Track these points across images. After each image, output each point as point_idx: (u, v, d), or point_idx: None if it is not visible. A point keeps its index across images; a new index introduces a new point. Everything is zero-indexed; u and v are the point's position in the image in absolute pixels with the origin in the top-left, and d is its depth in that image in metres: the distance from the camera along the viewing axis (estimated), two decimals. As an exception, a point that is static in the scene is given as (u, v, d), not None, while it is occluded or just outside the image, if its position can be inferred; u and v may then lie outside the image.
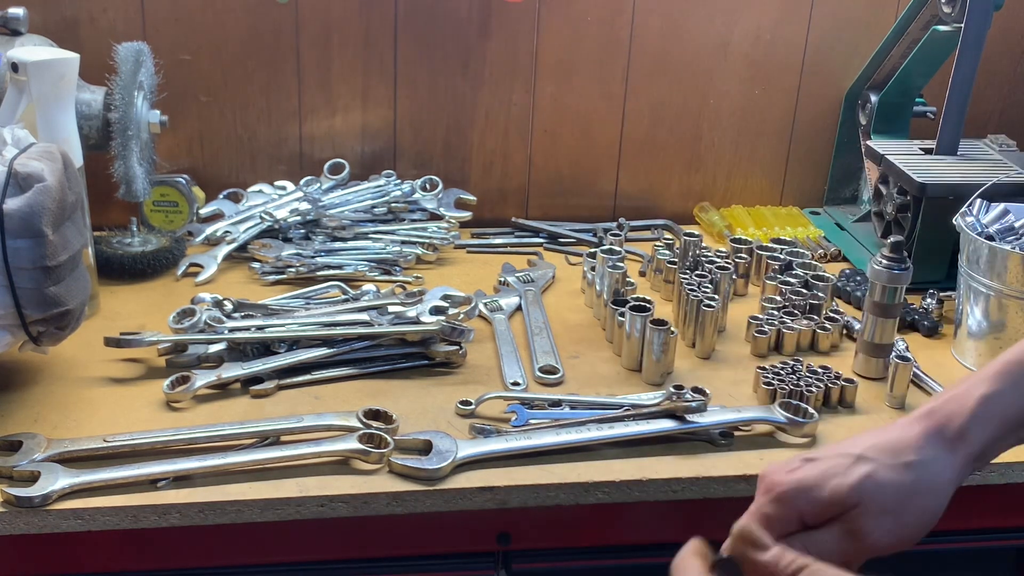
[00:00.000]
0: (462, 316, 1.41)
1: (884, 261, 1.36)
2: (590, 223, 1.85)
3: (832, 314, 1.49)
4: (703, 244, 1.63)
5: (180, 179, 1.70)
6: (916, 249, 1.62)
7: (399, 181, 1.77)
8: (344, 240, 1.68)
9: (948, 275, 1.61)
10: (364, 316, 1.39)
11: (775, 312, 1.49)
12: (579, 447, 1.20)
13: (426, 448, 1.17)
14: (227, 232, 1.66)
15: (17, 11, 1.50)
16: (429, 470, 1.14)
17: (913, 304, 1.56)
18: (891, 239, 1.36)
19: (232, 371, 1.30)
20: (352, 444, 1.16)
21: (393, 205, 1.74)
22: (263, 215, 1.67)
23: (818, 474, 0.83)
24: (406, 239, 1.70)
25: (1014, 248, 1.39)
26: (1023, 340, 0.91)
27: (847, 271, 1.66)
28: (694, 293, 1.47)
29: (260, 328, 1.36)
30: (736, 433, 1.26)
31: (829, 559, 0.78)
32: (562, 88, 1.81)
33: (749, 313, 1.50)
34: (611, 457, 1.20)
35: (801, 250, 1.67)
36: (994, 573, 1.41)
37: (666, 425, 1.23)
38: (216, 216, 1.71)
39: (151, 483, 1.11)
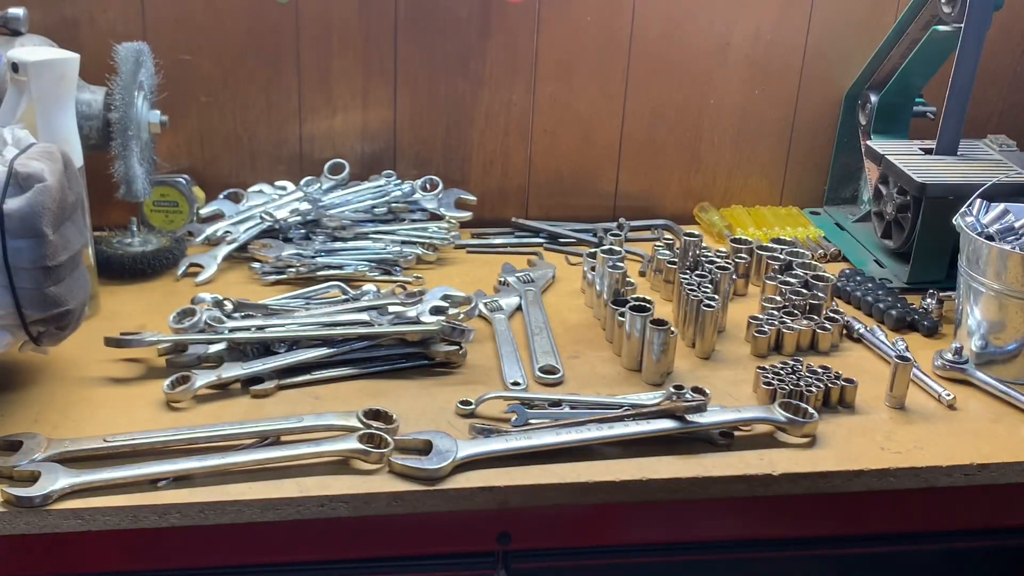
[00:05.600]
0: (462, 316, 1.41)
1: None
2: (590, 223, 1.85)
3: (832, 314, 1.49)
4: (703, 244, 1.63)
5: (180, 179, 1.70)
6: (916, 249, 1.62)
7: (399, 181, 1.77)
8: (344, 240, 1.68)
9: (948, 275, 1.61)
10: (364, 316, 1.39)
11: (775, 312, 1.49)
12: (579, 447, 1.20)
13: (426, 448, 1.17)
14: (227, 232, 1.66)
15: (17, 11, 1.50)
16: (429, 470, 1.14)
17: (913, 304, 1.56)
18: None
19: (232, 371, 1.30)
20: (352, 444, 1.16)
21: (393, 205, 1.74)
22: (263, 215, 1.67)
23: None
24: (406, 239, 1.70)
25: (1014, 248, 1.39)
26: None
27: (847, 271, 1.66)
28: (694, 293, 1.47)
29: (260, 328, 1.36)
30: (736, 433, 1.26)
31: None
32: (562, 88, 1.81)
33: (749, 313, 1.50)
34: (611, 457, 1.20)
35: (801, 250, 1.67)
36: (994, 573, 1.41)
37: (666, 425, 1.23)
38: (216, 216, 1.71)
39: (151, 483, 1.11)
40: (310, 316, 1.41)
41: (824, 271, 1.59)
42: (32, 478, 1.09)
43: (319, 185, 1.76)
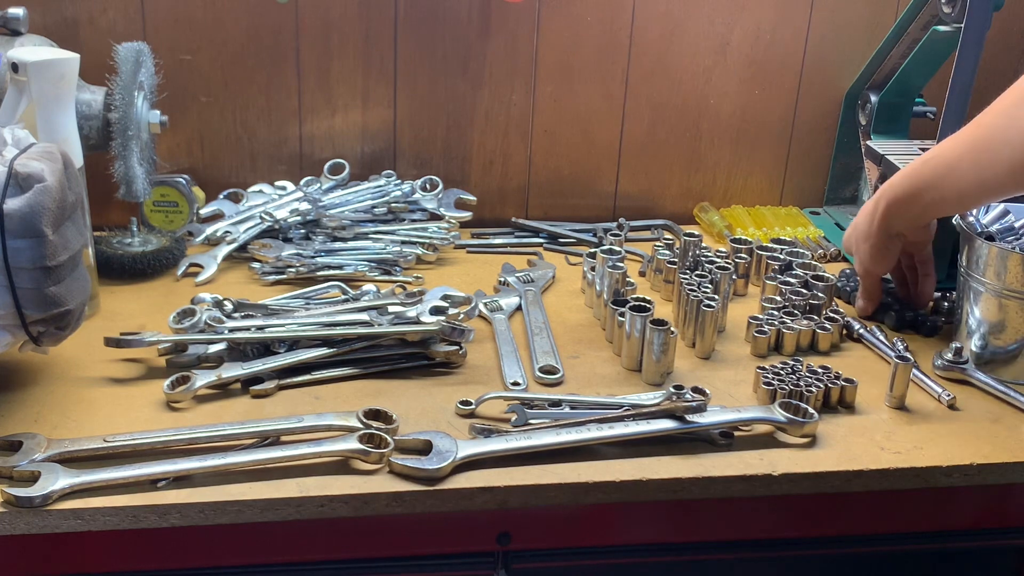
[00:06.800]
0: (462, 316, 1.41)
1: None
2: (590, 223, 1.85)
3: (832, 314, 1.49)
4: (703, 244, 1.63)
5: (180, 179, 1.70)
6: (916, 249, 1.62)
7: (399, 181, 1.77)
8: (344, 240, 1.68)
9: (948, 275, 1.61)
10: (364, 316, 1.39)
11: (775, 312, 1.49)
12: (579, 447, 1.20)
13: (426, 448, 1.17)
14: (227, 232, 1.66)
15: (17, 11, 1.50)
16: (429, 470, 1.14)
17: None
18: None
19: (232, 371, 1.30)
20: (352, 444, 1.16)
21: (393, 205, 1.74)
22: (263, 215, 1.67)
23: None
24: (406, 239, 1.70)
25: (1014, 248, 1.39)
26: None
27: (847, 271, 1.66)
28: (694, 293, 1.47)
29: (260, 328, 1.36)
30: (736, 433, 1.26)
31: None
32: (562, 88, 1.81)
33: (749, 313, 1.50)
34: (611, 457, 1.20)
35: (801, 250, 1.67)
36: (994, 573, 1.41)
37: (666, 425, 1.23)
38: (216, 216, 1.71)
39: (151, 483, 1.11)
40: (310, 316, 1.41)
41: (824, 271, 1.59)
42: (32, 478, 1.09)
43: (319, 185, 1.76)
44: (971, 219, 1.46)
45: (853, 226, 1.50)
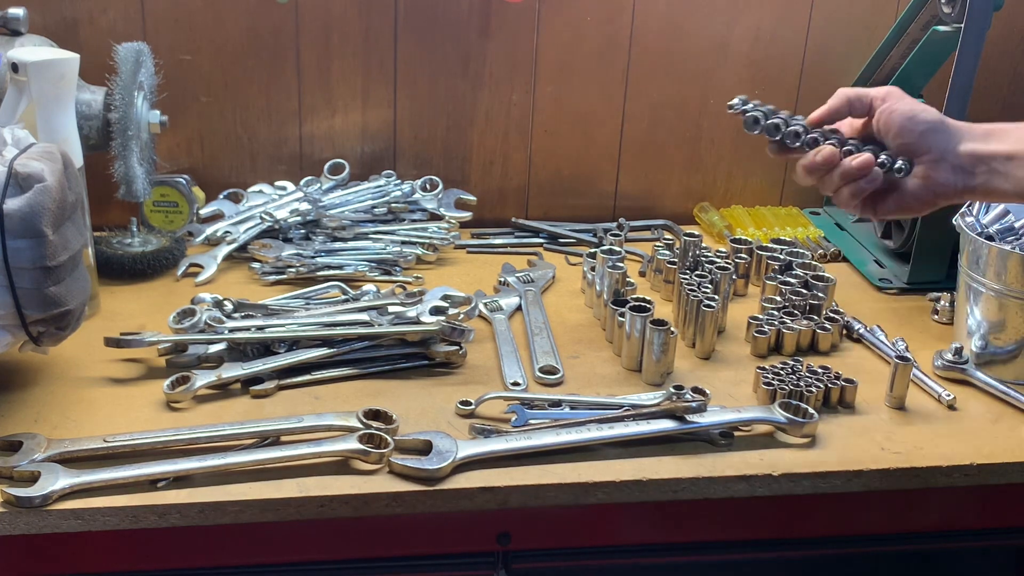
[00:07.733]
0: (462, 316, 1.41)
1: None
2: (590, 223, 1.85)
3: (832, 314, 1.49)
4: (703, 244, 1.63)
5: (180, 179, 1.70)
6: (916, 249, 1.62)
7: (399, 181, 1.77)
8: (344, 240, 1.68)
9: (948, 275, 1.61)
10: (364, 316, 1.39)
11: (775, 312, 1.49)
12: (579, 447, 1.20)
13: (426, 448, 1.17)
14: (227, 232, 1.66)
15: (17, 11, 1.50)
16: (429, 470, 1.14)
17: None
18: None
19: (232, 371, 1.30)
20: (352, 444, 1.16)
21: (393, 205, 1.74)
22: (263, 215, 1.67)
23: None
24: (406, 239, 1.70)
25: (1014, 248, 1.39)
26: None
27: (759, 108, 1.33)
28: (694, 293, 1.47)
29: (260, 328, 1.36)
30: (736, 433, 1.26)
31: None
32: (562, 88, 1.81)
33: (749, 313, 1.50)
34: (611, 457, 1.20)
35: (801, 250, 1.67)
36: (994, 573, 1.41)
37: (666, 425, 1.23)
38: (216, 216, 1.71)
39: (151, 483, 1.11)
40: (310, 316, 1.41)
41: (824, 271, 1.59)
42: (32, 478, 1.09)
43: (319, 185, 1.76)
44: (971, 219, 1.46)
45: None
